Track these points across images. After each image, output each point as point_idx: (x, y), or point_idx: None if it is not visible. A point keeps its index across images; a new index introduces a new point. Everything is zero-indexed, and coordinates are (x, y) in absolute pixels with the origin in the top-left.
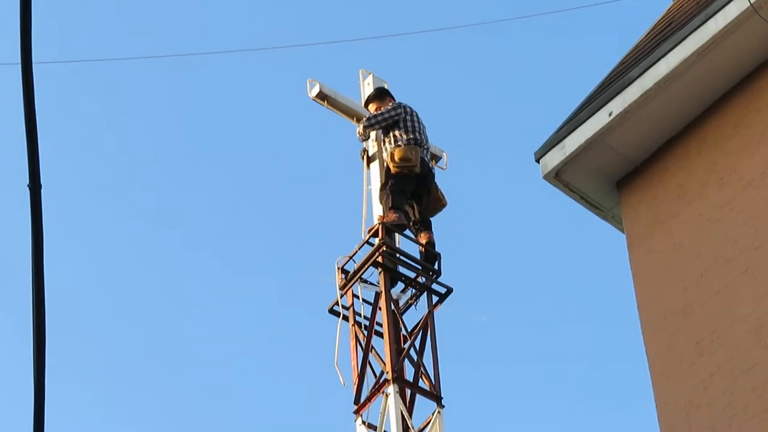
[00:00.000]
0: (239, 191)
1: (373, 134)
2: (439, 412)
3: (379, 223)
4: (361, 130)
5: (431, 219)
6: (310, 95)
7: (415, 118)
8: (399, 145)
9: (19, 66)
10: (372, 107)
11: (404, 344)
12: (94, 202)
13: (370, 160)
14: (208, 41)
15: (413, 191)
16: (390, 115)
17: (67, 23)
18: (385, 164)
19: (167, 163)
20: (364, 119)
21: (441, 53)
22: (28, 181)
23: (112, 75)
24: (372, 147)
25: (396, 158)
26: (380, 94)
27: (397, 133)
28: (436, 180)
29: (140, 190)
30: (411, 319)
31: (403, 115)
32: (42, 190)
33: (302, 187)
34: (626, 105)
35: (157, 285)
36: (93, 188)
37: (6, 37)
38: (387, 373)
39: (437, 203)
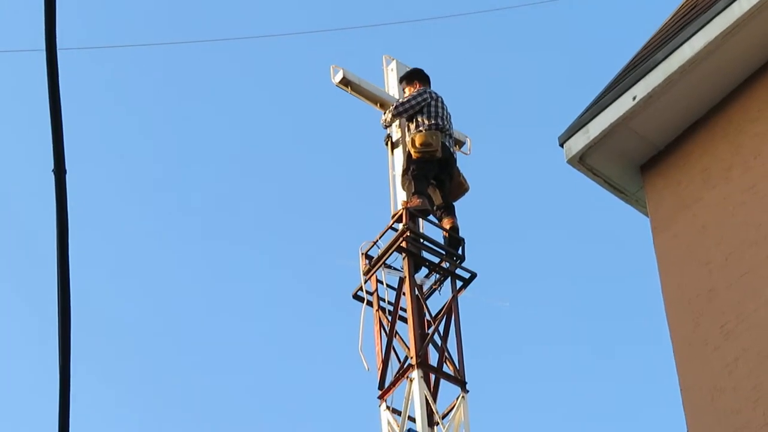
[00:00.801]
0: (264, 178)
1: (396, 121)
2: (463, 396)
3: (403, 209)
4: (388, 119)
5: (454, 204)
6: (333, 81)
7: (439, 104)
8: (420, 131)
9: (44, 52)
10: (404, 87)
11: (428, 329)
12: (117, 188)
13: (394, 145)
14: (231, 27)
15: (435, 176)
16: (416, 102)
17: (91, 10)
18: (407, 149)
19: (191, 149)
20: (391, 107)
21: (465, 38)
22: (53, 167)
23: (135, 61)
24: (396, 133)
25: (417, 143)
26: (409, 77)
27: (419, 118)
28: (458, 165)
29: (163, 178)
30: (435, 304)
31: (429, 100)
32: (66, 176)
33: (326, 173)
34: (650, 89)
35: (180, 271)
36: (116, 175)
37: (30, 23)
38: (411, 358)
39: (460, 188)
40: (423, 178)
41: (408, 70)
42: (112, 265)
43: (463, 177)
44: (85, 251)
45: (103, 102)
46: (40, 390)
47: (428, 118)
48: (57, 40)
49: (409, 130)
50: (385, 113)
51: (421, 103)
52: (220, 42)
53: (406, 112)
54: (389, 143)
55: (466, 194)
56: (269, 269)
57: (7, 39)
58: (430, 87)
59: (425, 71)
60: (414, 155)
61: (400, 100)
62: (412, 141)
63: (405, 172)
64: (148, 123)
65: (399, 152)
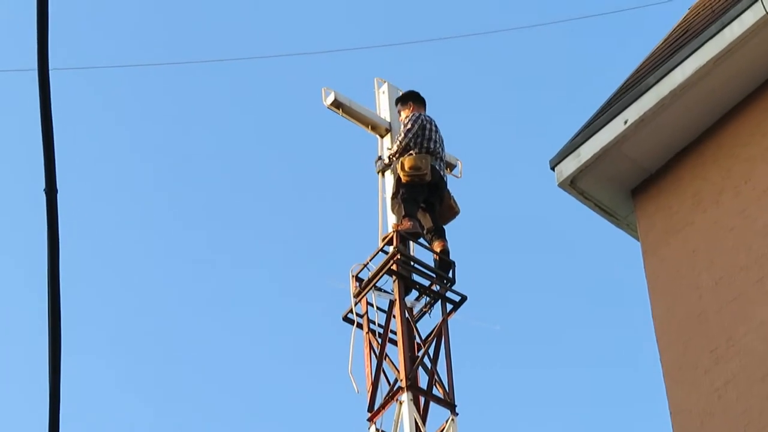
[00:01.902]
0: (254, 198)
1: (387, 144)
2: (452, 419)
3: (394, 231)
4: (397, 155)
5: (444, 227)
6: (324, 103)
7: (432, 127)
8: (410, 154)
9: (35, 72)
10: (400, 108)
11: (418, 352)
12: (110, 206)
13: (385, 168)
14: (222, 48)
15: (425, 199)
16: (414, 128)
17: (82, 30)
18: (395, 173)
19: (181, 170)
20: (397, 144)
21: (456, 60)
22: (44, 186)
23: (128, 81)
24: (387, 158)
25: (406, 167)
26: (404, 99)
27: (411, 141)
28: (449, 188)
29: (154, 198)
30: (425, 327)
31: (424, 123)
32: (58, 196)
33: (317, 194)
34: (642, 113)
35: (170, 292)
36: (108, 193)
37: (22, 43)
38: (401, 380)
39: (450, 211)
40: (413, 202)
41: (403, 92)
42: (103, 278)
43: (453, 200)
44: (76, 264)
45: (94, 122)
46: (31, 393)
47: (419, 142)
48: (49, 59)
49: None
50: (389, 148)
51: (420, 128)
52: (212, 63)
53: (409, 141)
54: (381, 168)
55: (457, 217)
56: (259, 290)
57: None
58: (425, 110)
59: (421, 94)
60: (403, 179)
61: (403, 131)
62: (402, 164)
63: (395, 196)
64: (139, 143)
65: (390, 175)
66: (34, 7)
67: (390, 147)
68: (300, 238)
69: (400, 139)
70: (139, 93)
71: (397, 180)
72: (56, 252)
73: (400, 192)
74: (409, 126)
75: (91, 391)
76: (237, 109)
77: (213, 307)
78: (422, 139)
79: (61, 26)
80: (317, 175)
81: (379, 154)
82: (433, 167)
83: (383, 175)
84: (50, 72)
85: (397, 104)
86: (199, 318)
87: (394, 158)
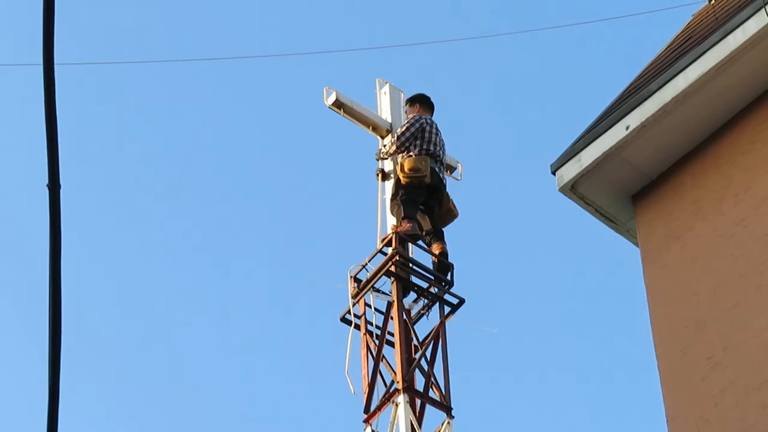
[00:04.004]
0: (254, 198)
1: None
2: (448, 422)
3: (393, 233)
4: (392, 151)
5: (443, 230)
6: (326, 103)
7: (433, 130)
8: (410, 156)
9: (39, 66)
10: (408, 109)
11: (415, 354)
12: (111, 203)
13: (385, 177)
14: (225, 46)
15: (424, 202)
16: (412, 132)
17: (86, 26)
18: (394, 175)
19: (182, 167)
20: (394, 139)
21: (459, 63)
22: (47, 182)
23: (130, 78)
24: (388, 164)
25: (406, 168)
26: (412, 101)
27: (412, 144)
28: (449, 191)
29: (153, 196)
30: (423, 329)
31: (424, 125)
32: (61, 191)
33: (316, 194)
34: (644, 119)
35: (170, 290)
36: (110, 189)
37: (27, 38)
38: (397, 382)
39: (448, 214)
40: (412, 203)
41: (407, 95)
42: (104, 274)
43: (452, 203)
44: (79, 259)
45: (96, 117)
46: (27, 397)
47: (419, 144)
48: (54, 54)
49: (399, 155)
50: (384, 145)
51: (418, 130)
52: (215, 61)
53: (408, 140)
54: (380, 174)
55: (456, 220)
56: (257, 290)
57: (3, 53)
58: (431, 115)
59: (431, 99)
60: (403, 180)
61: (399, 131)
62: (401, 166)
63: (394, 197)
64: (139, 139)
65: (390, 181)
66: (39, 1)
67: (385, 144)
68: (299, 239)
69: (392, 140)
70: (141, 90)
71: (397, 181)
72: (58, 247)
73: (400, 193)
74: (405, 127)
75: (84, 384)
76: (238, 108)
77: (210, 306)
78: (421, 141)
79: (65, 21)
80: (317, 175)
81: (380, 166)
82: (432, 169)
83: (383, 180)
84: (55, 67)
85: (406, 104)
86: (196, 317)
87: (387, 156)
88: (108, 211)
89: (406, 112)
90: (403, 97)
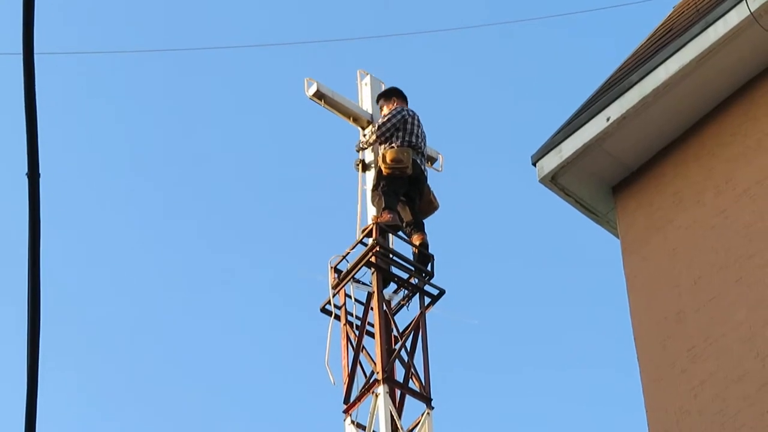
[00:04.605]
0: (234, 188)
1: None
2: (428, 413)
3: (373, 224)
4: (371, 140)
5: (424, 221)
6: (307, 94)
7: (415, 122)
8: (391, 147)
9: (21, 56)
10: (382, 104)
11: (395, 345)
12: (91, 193)
13: (365, 167)
14: (203, 36)
15: (405, 193)
16: (396, 120)
17: (69, 14)
18: (376, 165)
19: (163, 157)
20: (374, 129)
21: (439, 54)
22: (26, 170)
23: (111, 67)
24: (368, 156)
25: (388, 159)
26: (387, 94)
27: (393, 135)
28: (430, 182)
29: (135, 185)
30: (403, 320)
31: (406, 117)
32: (40, 180)
33: (297, 185)
34: (624, 110)
35: (149, 279)
36: (91, 179)
37: (7, 27)
38: (377, 373)
39: (429, 206)
40: (393, 194)
41: (385, 87)
42: (84, 265)
43: (433, 195)
44: (58, 249)
45: (78, 106)
46: (9, 384)
47: (402, 135)
48: (34, 44)
49: (380, 145)
50: (364, 135)
51: (400, 121)
52: (195, 51)
53: (388, 131)
54: (360, 165)
55: (436, 211)
56: (237, 279)
57: None
58: (407, 106)
59: (403, 92)
60: (384, 171)
61: (381, 121)
62: (383, 156)
63: (375, 188)
64: (122, 127)
65: (370, 172)
66: None
67: (365, 135)
68: (278, 229)
69: (373, 130)
70: (122, 79)
71: (378, 172)
72: (37, 237)
73: (381, 184)
74: (387, 118)
75: (68, 376)
76: (218, 97)
77: (188, 295)
78: (404, 132)
79: (46, 10)
80: (297, 166)
81: (360, 157)
82: (414, 161)
83: (364, 171)
84: (36, 56)
85: (378, 100)
86: (175, 307)
87: (367, 146)
88: (90, 200)
89: (381, 108)
90: (384, 89)
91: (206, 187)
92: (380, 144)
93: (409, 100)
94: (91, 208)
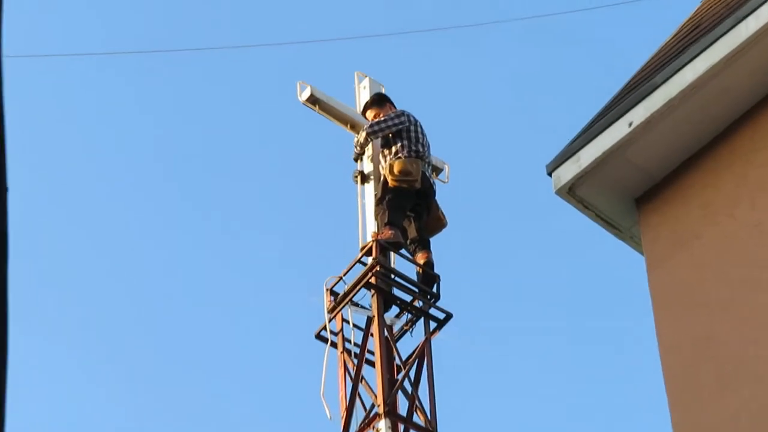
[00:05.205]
0: (221, 202)
1: (368, 152)
2: None
3: (373, 241)
4: (362, 140)
5: (430, 239)
6: (300, 99)
7: (419, 129)
8: (399, 157)
9: None
10: (370, 114)
11: (398, 375)
12: (62, 203)
13: (365, 179)
14: (193, 37)
15: (412, 208)
16: (394, 123)
17: (41, 17)
18: (382, 177)
19: (143, 166)
20: (366, 126)
21: (445, 55)
22: None
23: (98, 69)
24: (367, 166)
25: (395, 171)
26: (380, 100)
27: (397, 144)
28: (436, 196)
29: (108, 195)
30: (406, 347)
31: (407, 124)
32: (8, 194)
33: (290, 199)
34: (648, 114)
35: (129, 296)
36: (61, 189)
37: None
38: (378, 406)
39: (437, 223)
40: (398, 209)
41: (376, 93)
42: (56, 275)
43: (441, 212)
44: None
45: (48, 113)
46: None
47: (407, 144)
48: (2, 47)
49: (384, 157)
50: (358, 134)
51: (399, 125)
52: (179, 53)
53: (382, 131)
54: (359, 177)
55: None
56: (224, 301)
57: None
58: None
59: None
60: (391, 183)
61: (376, 120)
62: (390, 167)
63: (379, 201)
64: (95, 136)
65: (370, 184)
66: None
67: (358, 134)
68: (270, 248)
69: (366, 127)
70: (99, 83)
71: (384, 184)
72: (5, 253)
73: (386, 198)
74: (385, 118)
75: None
76: (207, 101)
77: (175, 313)
78: (408, 141)
79: (16, 12)
80: (290, 177)
81: (358, 168)
82: (423, 174)
83: (363, 184)
84: (17, 59)
85: (367, 109)
86: (156, 327)
87: (358, 145)
88: (61, 210)
89: (374, 116)
90: (384, 92)
91: (191, 200)
92: (372, 138)
93: (408, 101)
94: (60, 218)
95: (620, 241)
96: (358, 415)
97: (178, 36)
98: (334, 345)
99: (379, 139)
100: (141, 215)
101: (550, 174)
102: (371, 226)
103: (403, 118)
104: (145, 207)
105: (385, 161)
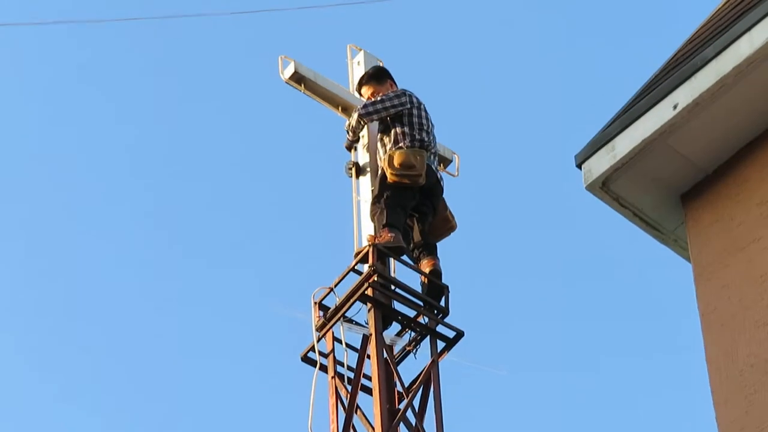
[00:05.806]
0: (195, 199)
1: (363, 140)
2: None
3: (370, 245)
4: (353, 123)
5: (436, 244)
6: (282, 76)
7: (423, 113)
8: (400, 147)
9: None
10: (366, 92)
11: (399, 404)
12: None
13: (360, 172)
14: (167, 3)
15: (415, 207)
16: (393, 104)
17: None
18: (380, 170)
19: (108, 161)
20: (358, 107)
21: (453, 26)
22: None
23: (63, 39)
24: (363, 156)
25: (395, 163)
26: (378, 75)
27: (398, 130)
28: (444, 194)
29: (71, 191)
30: (409, 370)
31: (409, 106)
32: None
33: (271, 195)
34: (696, 95)
35: (103, 315)
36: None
37: None
38: None
39: (445, 225)
40: (399, 208)
41: (374, 66)
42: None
43: (450, 212)
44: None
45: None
46: None
47: (410, 131)
48: None
49: (382, 146)
50: (350, 117)
51: (398, 107)
52: (151, 21)
53: (377, 113)
54: (353, 169)
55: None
56: (197, 316)
57: None
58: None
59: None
60: (390, 178)
61: (371, 100)
62: (389, 159)
63: (376, 199)
64: (56, 116)
65: (366, 178)
66: None
67: (350, 116)
68: (248, 253)
69: (358, 108)
70: (73, 51)
71: (382, 179)
72: None
73: (384, 195)
74: (383, 96)
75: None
76: (171, 81)
77: (153, 332)
78: (410, 127)
79: None
80: (272, 169)
81: (352, 159)
82: (428, 167)
83: (358, 177)
84: None
85: (363, 85)
86: (134, 344)
87: (349, 130)
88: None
89: (372, 94)
90: (384, 67)
91: (164, 196)
92: (366, 121)
93: (413, 80)
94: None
95: (663, 245)
96: None
97: (142, 2)
98: (323, 369)
99: (377, 124)
100: (108, 220)
101: (579, 166)
102: (367, 228)
103: (403, 99)
104: (114, 212)
105: (384, 151)
